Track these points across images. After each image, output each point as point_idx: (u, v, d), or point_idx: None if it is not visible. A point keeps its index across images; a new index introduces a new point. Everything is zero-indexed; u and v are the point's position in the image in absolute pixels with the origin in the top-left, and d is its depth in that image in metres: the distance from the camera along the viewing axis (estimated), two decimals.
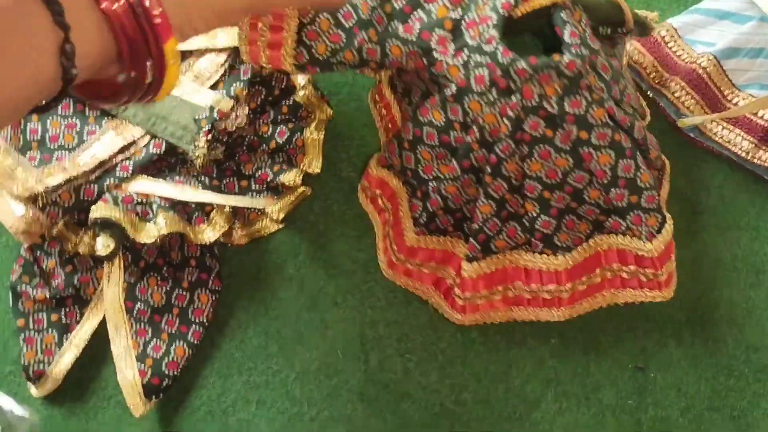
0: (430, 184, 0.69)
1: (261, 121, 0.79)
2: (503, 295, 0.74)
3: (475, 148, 0.65)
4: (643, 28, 0.73)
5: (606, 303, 0.76)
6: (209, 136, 0.73)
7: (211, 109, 0.74)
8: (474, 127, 0.64)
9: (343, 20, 0.61)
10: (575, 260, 0.72)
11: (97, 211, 0.70)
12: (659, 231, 0.69)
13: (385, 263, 0.77)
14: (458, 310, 0.74)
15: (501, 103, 0.62)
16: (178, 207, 0.74)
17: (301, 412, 0.76)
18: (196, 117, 0.74)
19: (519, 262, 0.72)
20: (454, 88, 0.63)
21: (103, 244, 0.71)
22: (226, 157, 0.78)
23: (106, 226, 0.71)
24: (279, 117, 0.79)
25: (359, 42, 0.62)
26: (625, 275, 0.73)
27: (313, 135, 0.78)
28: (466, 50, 0.62)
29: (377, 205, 0.78)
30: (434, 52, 0.63)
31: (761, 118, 0.76)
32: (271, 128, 0.78)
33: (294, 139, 0.78)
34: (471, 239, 0.70)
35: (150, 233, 0.71)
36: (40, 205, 0.71)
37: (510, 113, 0.62)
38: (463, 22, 0.63)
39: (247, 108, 0.77)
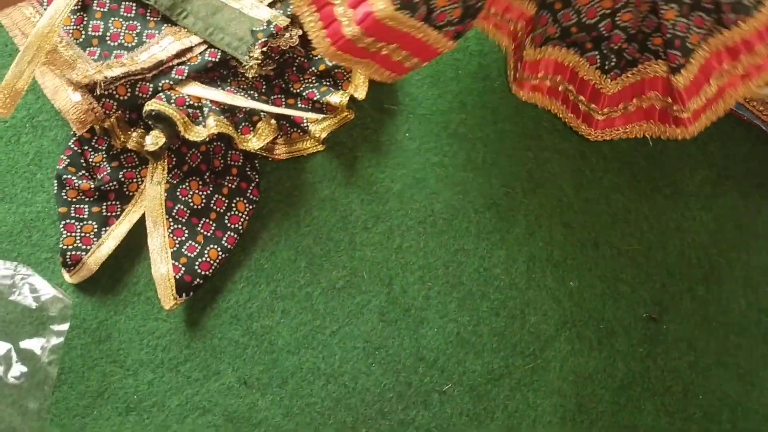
0: None
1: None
2: None
3: None
4: None
5: (635, 133, 0.79)
6: (264, 48, 0.76)
7: (269, 23, 0.77)
8: None
9: None
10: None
11: (153, 104, 0.73)
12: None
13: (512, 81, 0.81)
14: (593, 125, 0.81)
15: None
16: (227, 115, 0.77)
17: (322, 326, 0.78)
18: (254, 29, 0.77)
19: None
20: None
21: (153, 140, 0.74)
22: (275, 75, 0.80)
23: (159, 120, 0.74)
24: None
25: None
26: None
27: None
28: None
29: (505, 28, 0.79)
30: None
31: None
32: None
33: (343, 65, 0.80)
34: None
35: (200, 133, 0.74)
36: (98, 93, 0.74)
37: None
38: None
39: (300, 30, 0.79)
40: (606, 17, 0.71)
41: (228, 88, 0.78)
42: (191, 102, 0.76)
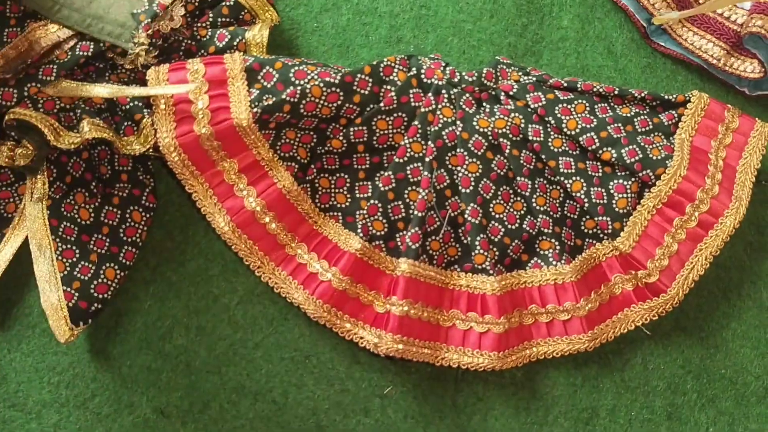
0: None
1: (199, 24, 0.72)
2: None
3: None
4: None
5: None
6: (149, 31, 0.67)
7: (150, 1, 0.68)
8: None
9: None
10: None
11: (14, 113, 0.64)
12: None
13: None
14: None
15: None
16: (105, 115, 0.68)
17: (244, 338, 0.71)
18: (135, 11, 0.67)
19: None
20: None
21: (22, 152, 0.65)
22: (160, 62, 0.71)
23: (24, 131, 0.64)
24: (219, 20, 0.72)
25: None
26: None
27: (256, 38, 0.72)
28: None
29: None
30: None
31: (733, 22, 0.72)
32: (210, 32, 0.72)
33: (235, 44, 0.71)
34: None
35: (72, 139, 0.65)
36: None
37: None
38: None
39: (183, 9, 0.70)
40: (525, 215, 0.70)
41: (107, 83, 0.69)
42: (63, 105, 0.66)
